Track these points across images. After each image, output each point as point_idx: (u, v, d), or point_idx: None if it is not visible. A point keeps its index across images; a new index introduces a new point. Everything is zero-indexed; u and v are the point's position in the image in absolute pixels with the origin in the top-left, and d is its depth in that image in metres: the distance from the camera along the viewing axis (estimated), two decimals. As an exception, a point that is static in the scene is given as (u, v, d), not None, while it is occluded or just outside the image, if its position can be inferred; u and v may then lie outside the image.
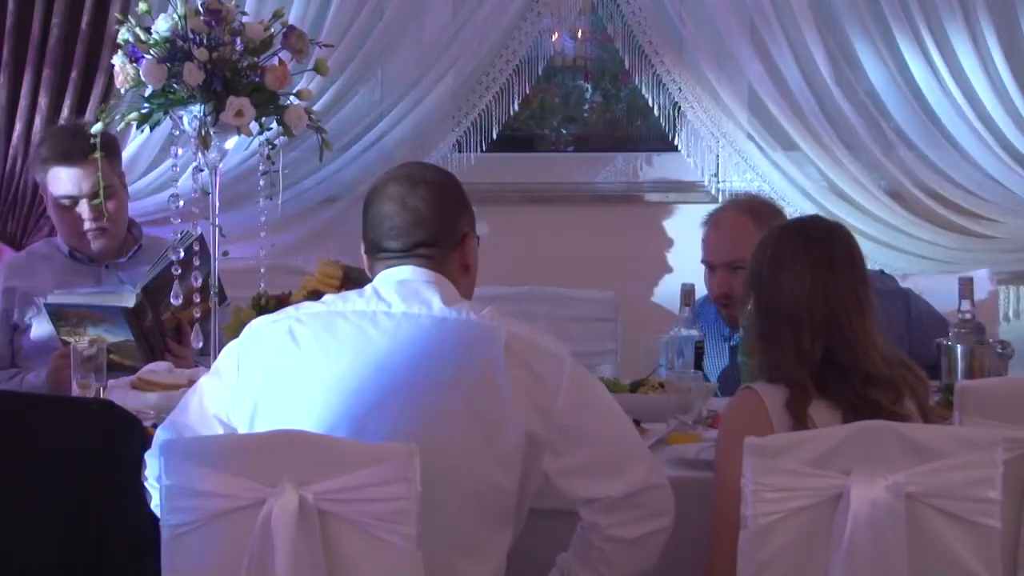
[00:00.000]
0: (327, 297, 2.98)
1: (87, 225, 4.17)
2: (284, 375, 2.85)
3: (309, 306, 2.97)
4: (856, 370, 2.97)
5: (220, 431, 2.90)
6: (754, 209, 4.20)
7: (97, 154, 3.56)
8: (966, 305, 3.66)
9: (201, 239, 3.64)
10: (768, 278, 3.07)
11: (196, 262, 3.54)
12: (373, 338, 2.85)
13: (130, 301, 3.82)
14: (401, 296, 2.88)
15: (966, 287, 3.67)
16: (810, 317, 2.99)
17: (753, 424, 2.88)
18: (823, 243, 3.07)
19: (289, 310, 2.98)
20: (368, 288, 2.94)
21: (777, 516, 2.71)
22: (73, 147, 4.05)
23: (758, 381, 3.02)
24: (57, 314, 3.83)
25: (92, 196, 4.06)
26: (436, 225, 2.93)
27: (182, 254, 3.55)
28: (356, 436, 2.75)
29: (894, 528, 2.68)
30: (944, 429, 2.91)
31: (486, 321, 2.86)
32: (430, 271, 2.91)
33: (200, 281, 3.53)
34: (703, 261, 4.20)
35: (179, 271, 3.54)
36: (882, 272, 4.24)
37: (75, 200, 4.14)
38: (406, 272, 2.91)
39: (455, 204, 2.98)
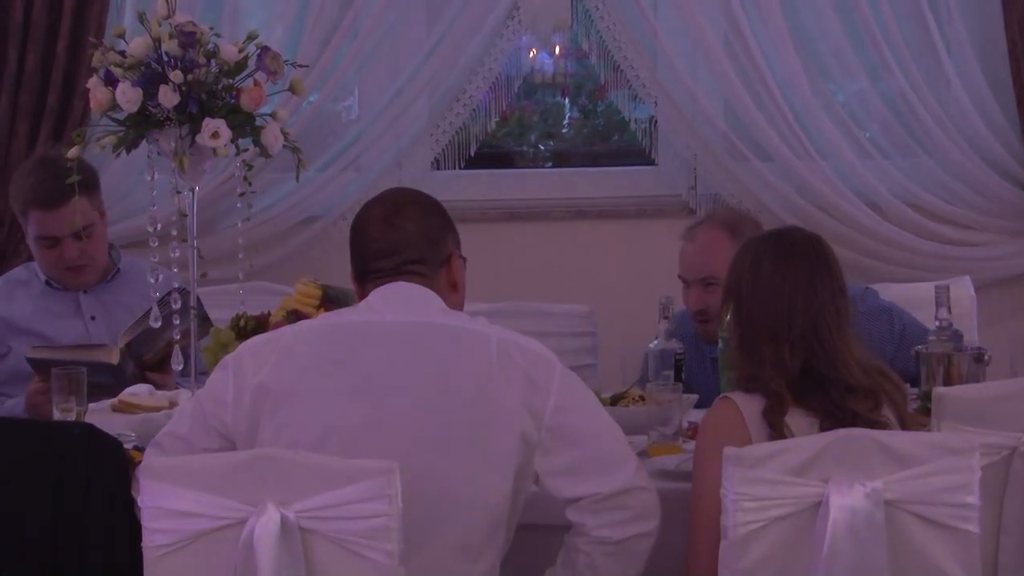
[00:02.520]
0: (321, 315, 3.02)
1: (68, 263, 4.16)
2: (282, 387, 2.86)
3: (304, 323, 3.05)
4: (834, 380, 2.98)
5: (216, 444, 2.91)
6: (732, 224, 4.17)
7: (76, 190, 3.55)
8: (943, 312, 3.66)
9: (182, 292, 3.61)
10: (747, 289, 3.07)
11: (175, 320, 3.53)
12: (368, 348, 2.88)
13: (114, 357, 3.82)
14: (394, 307, 2.93)
15: (943, 294, 3.68)
16: (789, 328, 3.00)
17: (730, 434, 2.89)
18: (803, 254, 3.07)
19: (284, 329, 3.03)
20: (361, 304, 2.98)
21: (757, 525, 2.72)
22: (54, 192, 3.99)
23: (735, 391, 3.02)
24: (39, 367, 3.81)
25: (73, 236, 4.06)
26: (423, 243, 2.99)
27: (160, 311, 3.56)
28: (352, 446, 2.77)
29: (873, 535, 2.70)
30: (921, 435, 2.92)
31: (478, 328, 2.92)
32: (421, 286, 2.96)
33: (179, 304, 3.52)
34: (679, 276, 4.19)
35: (159, 323, 3.55)
36: (867, 289, 4.22)
37: (56, 240, 4.13)
38: (398, 287, 2.96)
39: (440, 224, 3.04)
